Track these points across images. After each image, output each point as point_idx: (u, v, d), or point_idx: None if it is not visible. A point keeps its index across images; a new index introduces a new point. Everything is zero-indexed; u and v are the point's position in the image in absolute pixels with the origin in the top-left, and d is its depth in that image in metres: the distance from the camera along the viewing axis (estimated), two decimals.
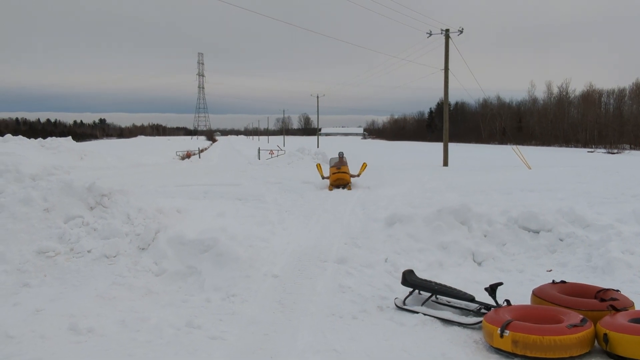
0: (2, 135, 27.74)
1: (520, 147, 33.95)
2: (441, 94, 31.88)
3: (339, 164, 17.15)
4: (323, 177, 17.28)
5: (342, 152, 18.15)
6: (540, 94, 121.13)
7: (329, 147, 46.79)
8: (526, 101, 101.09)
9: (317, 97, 77.49)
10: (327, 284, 6.56)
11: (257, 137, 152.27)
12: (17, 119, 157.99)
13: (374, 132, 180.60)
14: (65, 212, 7.52)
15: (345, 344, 4.78)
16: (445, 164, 29.29)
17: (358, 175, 17.49)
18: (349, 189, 16.13)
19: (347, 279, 6.70)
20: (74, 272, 6.57)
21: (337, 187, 16.43)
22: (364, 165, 18.50)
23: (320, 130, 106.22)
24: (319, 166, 18.55)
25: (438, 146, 37.87)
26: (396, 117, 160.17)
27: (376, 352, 4.62)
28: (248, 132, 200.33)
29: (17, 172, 8.13)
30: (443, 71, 29.87)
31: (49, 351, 4.53)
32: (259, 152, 40.87)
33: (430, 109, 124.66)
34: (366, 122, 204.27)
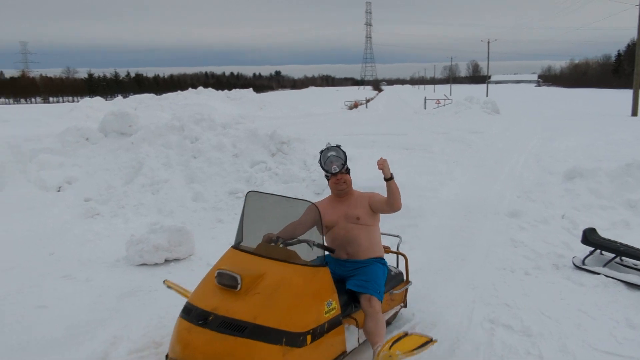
0: (195, 88, 31.44)
1: None
2: (632, 34, 28.02)
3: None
4: None
5: (336, 152, 3.85)
6: None
7: (499, 96, 44.30)
8: None
9: (488, 42, 72.89)
10: (497, 237, 6.45)
11: (423, 86, 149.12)
12: (205, 72, 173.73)
13: (550, 78, 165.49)
14: (250, 158, 8.32)
15: (517, 299, 4.72)
16: (635, 113, 26.02)
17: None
18: None
19: (520, 233, 6.51)
20: None
21: None
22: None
23: (489, 78, 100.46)
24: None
25: (626, 93, 33.61)
26: (577, 61, 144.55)
27: (551, 310, 4.49)
28: (414, 82, 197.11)
29: (211, 121, 9.11)
30: (638, 7, 26.10)
31: None
32: (424, 102, 40.12)
33: (619, 51, 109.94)
34: (541, 68, 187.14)
